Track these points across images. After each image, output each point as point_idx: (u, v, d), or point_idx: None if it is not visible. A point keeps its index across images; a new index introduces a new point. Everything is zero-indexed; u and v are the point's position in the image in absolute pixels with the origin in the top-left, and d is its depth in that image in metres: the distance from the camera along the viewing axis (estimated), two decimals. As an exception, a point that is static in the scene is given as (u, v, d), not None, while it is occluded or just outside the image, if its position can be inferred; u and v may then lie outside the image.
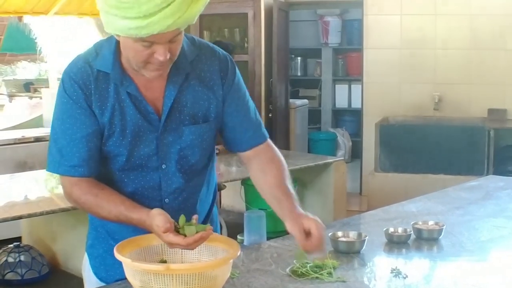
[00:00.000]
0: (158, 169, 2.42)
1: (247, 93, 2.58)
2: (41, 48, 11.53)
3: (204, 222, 2.53)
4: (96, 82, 2.32)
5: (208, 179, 2.61)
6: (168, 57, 2.20)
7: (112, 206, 2.31)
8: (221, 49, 2.54)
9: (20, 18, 9.13)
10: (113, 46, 2.33)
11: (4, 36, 12.96)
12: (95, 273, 2.59)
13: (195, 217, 2.20)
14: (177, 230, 2.15)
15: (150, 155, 2.40)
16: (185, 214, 2.30)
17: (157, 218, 2.16)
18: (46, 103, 8.42)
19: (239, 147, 2.57)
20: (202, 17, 8.23)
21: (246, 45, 8.10)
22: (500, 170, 7.14)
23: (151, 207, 2.32)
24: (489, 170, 7.25)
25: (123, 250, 2.15)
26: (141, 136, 2.37)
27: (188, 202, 2.50)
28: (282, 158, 2.58)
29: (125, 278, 2.17)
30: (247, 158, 2.59)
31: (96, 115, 2.33)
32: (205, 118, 2.44)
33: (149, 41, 2.14)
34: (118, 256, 2.09)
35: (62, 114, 2.35)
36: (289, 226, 2.34)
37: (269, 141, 2.61)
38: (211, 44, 2.52)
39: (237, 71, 2.54)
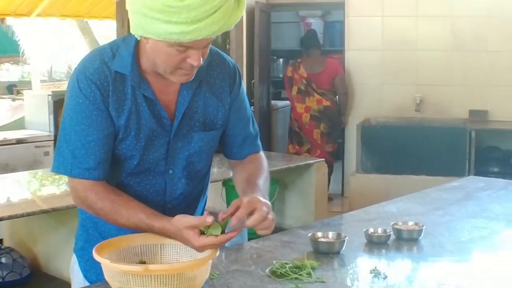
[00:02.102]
0: (165, 174, 2.43)
1: (248, 103, 2.62)
2: (24, 50, 11.50)
3: None
4: (114, 84, 2.29)
5: (207, 184, 2.65)
6: (201, 62, 2.20)
7: (132, 213, 2.26)
8: (228, 57, 2.56)
9: (2, 20, 9.12)
10: (131, 47, 2.30)
11: (-13, 38, 12.95)
12: (85, 276, 2.57)
13: (206, 213, 2.17)
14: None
15: (159, 159, 2.40)
16: None
17: (184, 220, 2.15)
18: (28, 105, 8.39)
19: (234, 155, 2.62)
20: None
21: (228, 46, 8.09)
22: (481, 171, 7.18)
23: None
24: (470, 171, 7.29)
25: (102, 251, 2.14)
26: (153, 141, 2.36)
27: (190, 208, 2.52)
28: (266, 166, 2.61)
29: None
30: (235, 163, 2.63)
31: (112, 117, 2.29)
32: (213, 125, 2.46)
33: (186, 46, 2.13)
34: (96, 257, 2.08)
35: (77, 114, 2.28)
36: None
37: (261, 152, 2.66)
38: (220, 51, 2.53)
39: (242, 80, 2.58)
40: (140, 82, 2.31)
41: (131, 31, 2.20)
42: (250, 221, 2.17)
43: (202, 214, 2.60)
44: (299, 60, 8.51)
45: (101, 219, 2.38)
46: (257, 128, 2.66)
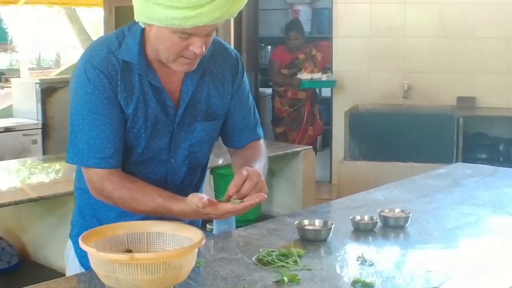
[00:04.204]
0: (167, 163, 2.45)
1: (250, 93, 2.62)
2: (12, 38, 11.46)
3: None
4: (122, 73, 2.30)
5: (205, 172, 2.66)
6: (203, 50, 2.20)
7: (149, 199, 2.29)
8: (231, 47, 2.56)
9: (-10, 8, 9.09)
10: (138, 36, 2.30)
11: (-25, 26, 12.90)
12: (81, 262, 2.58)
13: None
14: None
15: (162, 148, 2.42)
16: None
17: (195, 199, 2.17)
18: (16, 93, 8.36)
19: (233, 144, 2.63)
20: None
21: (215, 33, 8.08)
22: (469, 157, 7.19)
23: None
24: (458, 158, 7.30)
25: (88, 240, 2.14)
26: (158, 130, 2.39)
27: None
28: (263, 153, 2.61)
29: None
30: (234, 151, 2.64)
31: (121, 106, 2.30)
32: (215, 115, 2.48)
33: (188, 33, 2.14)
34: (82, 245, 2.08)
35: (87, 104, 2.28)
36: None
37: (261, 140, 2.67)
38: (222, 41, 2.53)
39: (244, 70, 2.58)
40: (147, 71, 2.32)
41: (135, 17, 2.22)
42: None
43: None
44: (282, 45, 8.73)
45: (117, 207, 2.40)
46: (258, 117, 2.67)
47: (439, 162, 6.59)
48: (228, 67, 2.48)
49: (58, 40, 15.01)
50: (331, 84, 8.54)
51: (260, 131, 2.67)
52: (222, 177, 5.27)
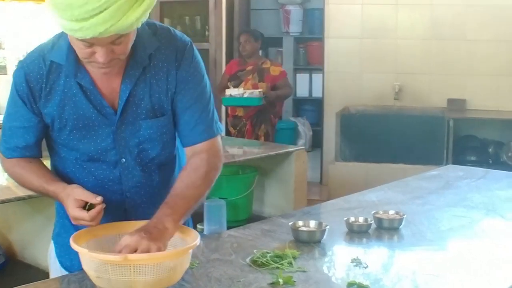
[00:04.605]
0: (118, 163, 2.41)
1: (205, 84, 2.45)
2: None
3: None
4: (48, 75, 2.32)
5: (173, 175, 2.54)
6: (108, 59, 2.16)
7: (35, 178, 2.40)
8: (183, 36, 2.45)
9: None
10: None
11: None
12: (60, 262, 2.58)
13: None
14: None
15: (108, 149, 2.38)
16: (149, 209, 2.29)
17: (76, 191, 2.27)
18: (2, 90, 8.30)
19: (187, 142, 2.46)
20: (162, 4, 8.21)
21: (207, 33, 8.06)
22: (459, 159, 7.19)
23: (113, 200, 2.35)
24: (448, 160, 7.30)
25: (79, 240, 2.12)
26: (97, 130, 2.35)
27: (154, 198, 2.43)
28: (210, 167, 2.42)
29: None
30: (188, 154, 2.47)
31: (36, 112, 2.36)
32: (163, 111, 2.39)
33: (89, 42, 2.11)
34: (74, 246, 2.06)
35: (9, 99, 2.40)
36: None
37: (216, 138, 2.48)
38: (172, 31, 2.43)
39: (196, 59, 2.43)
40: (77, 71, 2.30)
41: None
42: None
43: None
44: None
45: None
46: (214, 112, 2.49)
47: (429, 164, 6.60)
48: (172, 58, 2.37)
49: (46, 37, 14.97)
50: (255, 101, 7.42)
51: (217, 128, 2.48)
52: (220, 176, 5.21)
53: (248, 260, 2.47)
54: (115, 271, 1.96)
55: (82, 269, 2.34)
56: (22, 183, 2.48)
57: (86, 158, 2.39)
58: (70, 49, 2.26)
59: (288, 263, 2.41)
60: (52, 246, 2.65)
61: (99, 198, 2.24)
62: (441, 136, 7.37)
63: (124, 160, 2.40)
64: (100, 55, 2.14)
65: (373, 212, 3.00)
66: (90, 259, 2.02)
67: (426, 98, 8.18)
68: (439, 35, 8.10)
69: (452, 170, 4.36)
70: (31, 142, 2.40)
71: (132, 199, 2.45)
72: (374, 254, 2.64)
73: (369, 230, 2.89)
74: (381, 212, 3.00)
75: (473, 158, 7.53)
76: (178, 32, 2.46)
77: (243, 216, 5.12)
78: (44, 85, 2.31)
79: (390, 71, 8.28)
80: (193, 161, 2.40)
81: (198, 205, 2.38)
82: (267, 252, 2.49)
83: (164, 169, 2.50)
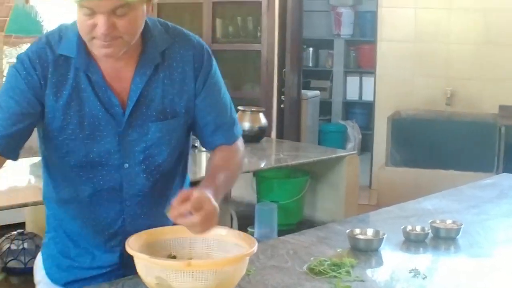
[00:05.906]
0: (120, 168, 2.27)
1: (224, 88, 2.42)
2: (47, 30, 11.50)
3: None
4: (55, 66, 2.18)
5: (181, 184, 2.48)
6: (108, 31, 2.05)
7: None
8: (197, 37, 2.38)
9: (26, 0, 9.10)
10: (78, 28, 2.14)
11: (10, 18, 12.95)
12: (47, 274, 2.47)
13: None
14: None
15: (111, 152, 2.25)
16: (149, 221, 2.26)
17: None
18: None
19: (207, 145, 2.45)
20: (215, 4, 8.21)
21: (259, 34, 8.04)
22: (510, 167, 7.09)
23: (111, 210, 2.27)
24: (499, 167, 7.21)
25: (134, 245, 2.07)
26: (102, 131, 2.22)
27: (155, 209, 2.35)
28: (236, 159, 2.44)
29: (71, 281, 2.24)
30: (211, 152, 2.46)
31: (31, 102, 2.16)
32: (174, 113, 2.29)
33: (89, 8, 2.02)
34: (132, 252, 2.02)
35: (6, 84, 2.20)
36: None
37: (238, 142, 2.47)
38: (186, 32, 2.37)
39: (214, 63, 2.38)
40: (88, 65, 2.19)
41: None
42: (195, 219, 2.02)
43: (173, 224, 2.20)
44: None
45: (79, 217, 2.35)
46: (235, 116, 2.46)
47: (480, 171, 6.53)
48: (189, 60, 2.29)
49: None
50: None
51: (237, 130, 2.46)
52: (265, 180, 5.23)
53: (305, 267, 2.45)
54: (176, 277, 1.94)
55: (69, 281, 2.35)
56: None
57: (85, 162, 2.24)
58: (80, 41, 2.16)
59: (346, 272, 2.39)
60: (39, 257, 2.54)
61: None
62: (492, 143, 7.29)
63: (127, 165, 2.28)
64: (100, 24, 2.03)
65: (430, 221, 2.97)
66: (149, 266, 2.00)
67: (477, 104, 8.09)
68: (492, 40, 8.01)
69: (506, 179, 4.30)
70: (14, 133, 2.16)
71: (132, 209, 2.33)
72: (432, 264, 2.61)
73: (426, 240, 2.86)
74: (438, 221, 2.97)
75: (525, 166, 7.44)
76: (190, 32, 2.40)
77: (294, 220, 5.12)
78: (50, 75, 2.17)
79: (442, 76, 8.21)
80: (221, 149, 2.42)
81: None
82: (325, 260, 2.47)
83: (170, 177, 2.40)
